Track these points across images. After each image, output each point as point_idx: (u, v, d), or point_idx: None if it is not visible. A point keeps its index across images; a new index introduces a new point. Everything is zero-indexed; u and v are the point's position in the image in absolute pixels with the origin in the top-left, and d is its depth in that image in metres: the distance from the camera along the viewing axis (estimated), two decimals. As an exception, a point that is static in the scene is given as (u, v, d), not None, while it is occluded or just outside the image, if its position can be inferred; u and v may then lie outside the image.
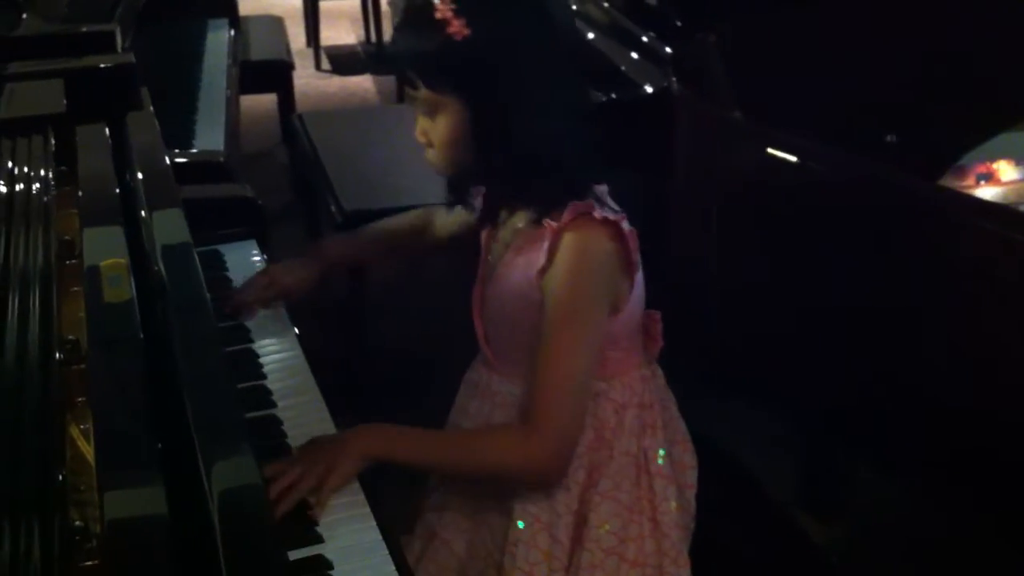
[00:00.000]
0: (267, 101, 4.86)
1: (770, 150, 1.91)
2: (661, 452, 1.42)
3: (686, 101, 2.24)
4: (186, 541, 0.88)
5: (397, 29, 1.38)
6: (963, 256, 1.75)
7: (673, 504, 1.41)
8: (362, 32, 6.61)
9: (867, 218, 1.88)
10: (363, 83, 5.86)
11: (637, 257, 1.35)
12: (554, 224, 1.32)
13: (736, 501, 1.47)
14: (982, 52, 2.39)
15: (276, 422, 1.42)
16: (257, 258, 1.89)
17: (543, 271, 1.33)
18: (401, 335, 3.36)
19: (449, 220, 1.65)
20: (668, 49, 2.54)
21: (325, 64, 6.15)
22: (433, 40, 1.29)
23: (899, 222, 1.85)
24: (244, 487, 0.96)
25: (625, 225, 1.33)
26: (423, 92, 1.34)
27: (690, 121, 2.22)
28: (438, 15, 1.27)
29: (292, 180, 4.16)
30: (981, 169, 2.42)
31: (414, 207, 2.83)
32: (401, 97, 5.26)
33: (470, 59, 1.28)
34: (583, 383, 1.33)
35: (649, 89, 2.45)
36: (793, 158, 1.92)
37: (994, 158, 2.43)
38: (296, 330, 1.68)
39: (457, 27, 1.27)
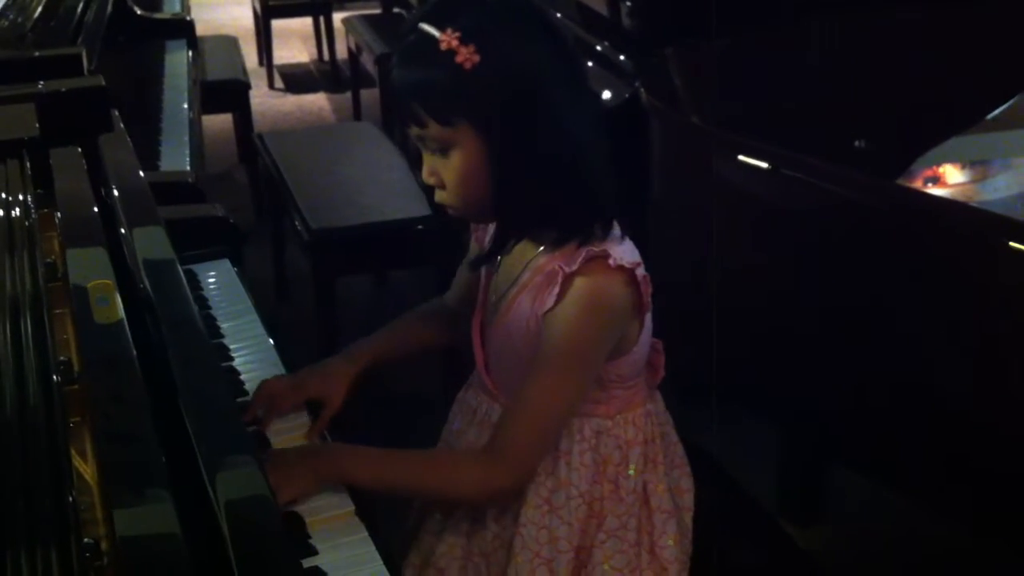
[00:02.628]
0: (221, 121, 4.85)
1: (741, 157, 1.94)
2: (661, 487, 1.40)
3: (655, 111, 2.27)
4: (197, 555, 0.88)
5: (395, 65, 1.29)
6: (938, 257, 1.78)
7: (671, 540, 1.40)
8: (314, 50, 6.62)
9: (840, 222, 1.92)
10: (318, 101, 5.86)
11: (648, 299, 1.32)
12: (566, 268, 1.28)
13: (721, 507, 1.48)
14: (932, 61, 2.45)
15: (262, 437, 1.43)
16: (233, 278, 1.89)
17: (548, 312, 1.30)
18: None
19: (456, 286, 1.58)
20: (626, 59, 2.58)
21: (278, 83, 6.15)
22: (439, 72, 1.23)
23: (870, 224, 1.88)
24: (251, 498, 0.97)
25: (640, 271, 1.30)
26: (433, 129, 1.26)
27: (660, 130, 2.25)
28: (443, 46, 1.22)
29: (254, 200, 4.16)
30: (928, 173, 2.48)
31: (382, 223, 2.89)
32: (359, 114, 5.27)
33: (485, 86, 1.22)
34: (557, 425, 1.33)
35: (611, 98, 2.48)
36: (764, 164, 1.95)
37: (940, 162, 2.48)
38: (272, 341, 1.68)
39: (466, 55, 1.21)
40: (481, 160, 1.26)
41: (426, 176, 1.32)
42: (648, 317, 1.35)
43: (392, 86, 1.29)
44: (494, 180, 1.27)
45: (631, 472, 1.38)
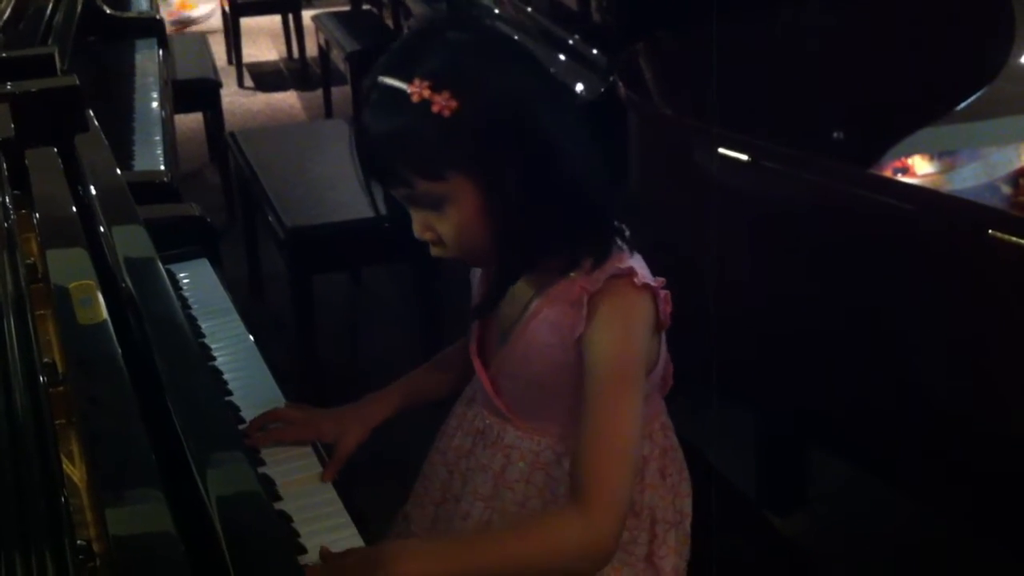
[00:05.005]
0: (191, 120, 4.83)
1: (721, 150, 1.95)
2: (667, 500, 1.38)
3: (632, 103, 2.28)
4: (192, 553, 0.88)
5: (364, 127, 1.19)
6: (917, 245, 1.80)
7: (671, 550, 1.38)
8: (284, 48, 6.59)
9: (819, 214, 1.94)
10: (288, 99, 5.85)
11: (667, 318, 1.27)
12: (589, 288, 1.22)
13: (704, 496, 1.48)
14: (902, 53, 2.47)
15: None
16: (212, 277, 1.89)
17: (582, 337, 1.23)
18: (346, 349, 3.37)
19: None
20: (599, 53, 2.59)
21: (248, 81, 6.12)
22: (417, 126, 1.14)
23: (849, 214, 1.90)
24: (243, 493, 0.97)
25: (662, 291, 1.25)
26: (422, 187, 1.17)
27: (637, 123, 2.26)
28: (415, 98, 1.13)
29: (226, 199, 4.15)
30: (897, 164, 2.50)
31: (357, 220, 2.89)
32: (330, 112, 5.26)
33: (469, 131, 1.14)
34: (635, 448, 1.23)
35: (585, 91, 2.49)
36: (744, 156, 1.96)
37: (909, 153, 2.50)
38: (252, 339, 1.68)
39: (442, 103, 1.12)
40: (479, 207, 1.18)
41: (420, 233, 1.23)
42: (663, 334, 1.30)
43: (366, 150, 1.20)
44: (496, 222, 1.19)
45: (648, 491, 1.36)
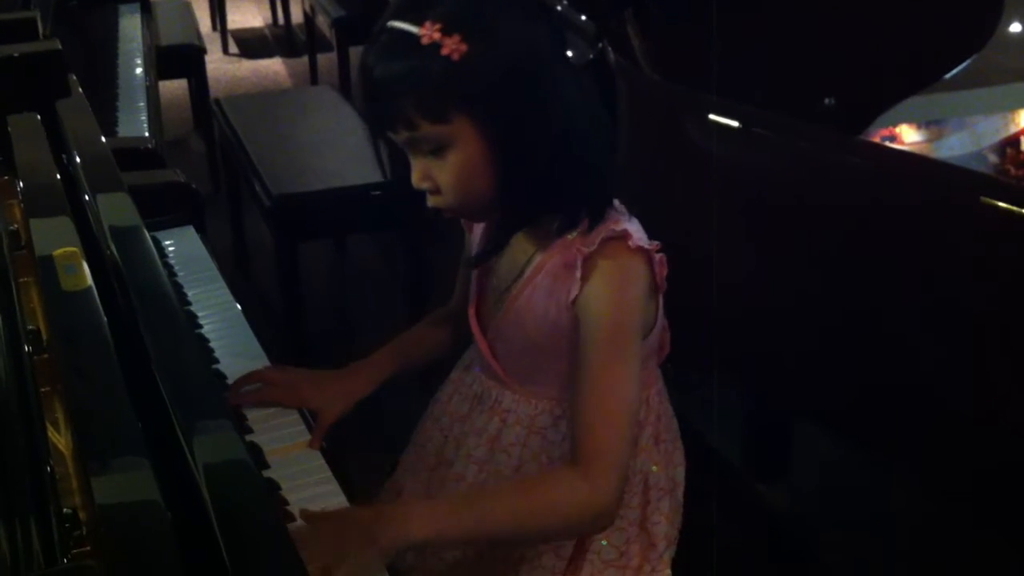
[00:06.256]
0: (175, 87, 4.79)
1: (712, 116, 1.95)
2: (660, 465, 1.39)
3: (621, 70, 2.26)
4: (178, 521, 0.87)
5: (370, 69, 1.19)
6: (908, 215, 1.80)
7: (663, 517, 1.38)
8: (269, 14, 6.54)
9: (809, 181, 1.93)
10: (273, 66, 5.80)
11: (664, 281, 1.28)
12: (584, 250, 1.23)
13: (694, 467, 1.48)
14: (890, 22, 2.46)
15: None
16: (198, 244, 1.87)
17: (577, 299, 1.24)
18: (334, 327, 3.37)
19: (459, 288, 1.49)
20: (587, 19, 2.57)
21: (233, 48, 6.07)
22: (426, 68, 1.15)
23: (839, 185, 1.90)
24: (231, 462, 0.97)
25: (657, 255, 1.26)
26: (426, 129, 1.18)
27: (627, 90, 2.25)
28: (425, 40, 1.14)
29: (210, 167, 4.12)
30: (884, 133, 2.49)
31: (344, 188, 2.87)
32: (315, 78, 5.22)
33: (477, 75, 1.15)
34: (635, 408, 1.25)
35: (575, 59, 2.48)
36: (734, 123, 1.96)
37: (896, 122, 2.50)
38: (239, 308, 1.67)
39: (452, 46, 1.14)
40: (482, 154, 1.19)
41: (418, 181, 1.23)
42: (660, 298, 1.30)
43: (371, 90, 1.20)
44: (498, 172, 1.20)
45: (641, 455, 1.36)
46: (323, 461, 1.33)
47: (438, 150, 1.20)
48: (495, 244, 1.31)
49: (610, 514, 1.22)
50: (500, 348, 1.36)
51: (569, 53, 1.27)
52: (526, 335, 1.31)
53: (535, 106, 1.18)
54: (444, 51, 1.14)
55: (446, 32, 1.14)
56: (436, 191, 1.24)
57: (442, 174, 1.21)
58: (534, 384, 1.35)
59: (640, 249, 1.24)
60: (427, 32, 1.15)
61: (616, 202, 1.29)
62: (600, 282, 1.23)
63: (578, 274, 1.23)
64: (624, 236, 1.23)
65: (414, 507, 1.25)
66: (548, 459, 1.35)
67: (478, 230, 1.40)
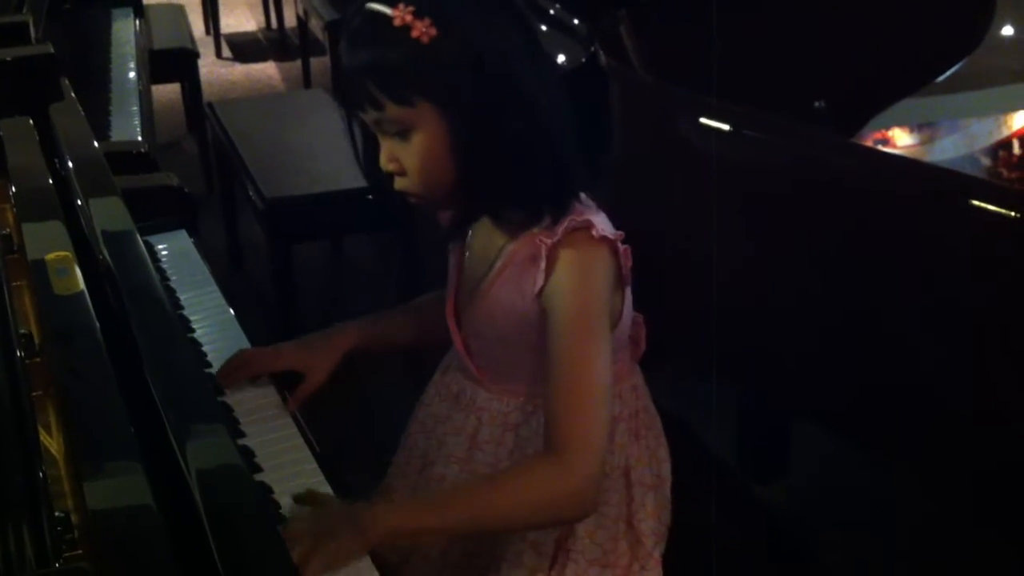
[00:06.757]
0: (169, 91, 4.79)
1: (703, 119, 1.95)
2: (642, 462, 1.39)
3: (613, 72, 2.27)
4: (171, 525, 0.87)
5: (344, 48, 1.23)
6: (899, 216, 1.80)
7: (649, 513, 1.39)
8: (262, 18, 6.53)
9: (801, 184, 1.93)
10: (266, 70, 5.79)
11: (628, 272, 1.29)
12: (548, 240, 1.24)
13: (681, 463, 1.48)
14: (882, 24, 2.47)
15: (228, 408, 1.42)
16: (191, 248, 1.87)
17: (542, 290, 1.25)
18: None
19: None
20: (580, 22, 2.58)
21: (226, 52, 6.06)
22: (395, 49, 1.18)
23: (832, 187, 1.90)
24: (223, 466, 0.97)
25: (620, 244, 1.27)
26: (391, 111, 1.20)
27: (619, 91, 2.25)
28: (397, 22, 1.17)
29: (203, 170, 4.12)
30: (877, 136, 2.50)
31: (337, 192, 2.87)
32: (308, 82, 5.22)
33: (443, 61, 1.18)
34: (606, 393, 1.24)
35: (567, 61, 2.48)
36: (726, 126, 1.96)
37: (888, 125, 2.50)
38: (232, 312, 1.67)
39: (422, 29, 1.17)
40: (444, 141, 1.21)
41: (384, 163, 1.25)
42: (628, 291, 1.32)
43: (343, 69, 1.24)
44: (459, 161, 1.22)
45: (617, 448, 1.36)
46: (316, 464, 1.32)
47: (403, 132, 1.22)
48: (461, 223, 1.33)
49: (589, 499, 1.22)
50: (473, 344, 1.38)
51: (539, 49, 1.28)
52: (496, 329, 1.33)
53: (498, 98, 1.20)
54: (414, 33, 1.17)
55: (417, 15, 1.17)
56: (402, 173, 1.25)
57: (407, 157, 1.24)
58: (506, 381, 1.37)
59: (604, 239, 1.25)
60: (399, 14, 1.17)
61: (583, 196, 1.30)
62: (565, 271, 1.24)
63: (542, 264, 1.24)
64: (587, 226, 1.24)
65: (393, 504, 1.27)
66: (522, 456, 1.36)
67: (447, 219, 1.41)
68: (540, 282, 1.25)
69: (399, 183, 1.27)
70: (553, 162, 1.25)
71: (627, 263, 1.28)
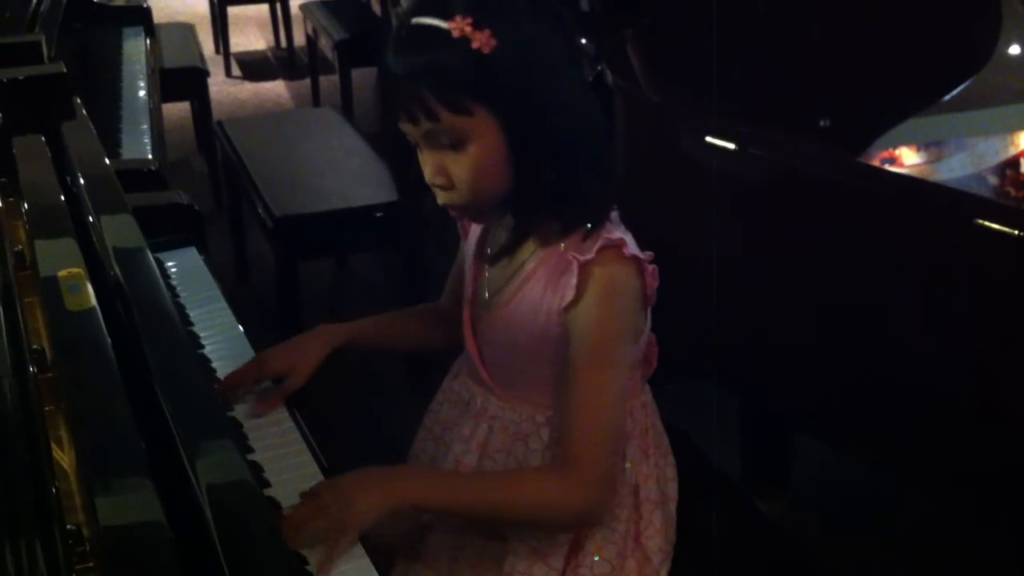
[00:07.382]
0: (179, 109, 4.81)
1: (708, 139, 1.96)
2: (651, 479, 1.40)
3: (620, 91, 2.28)
4: (181, 540, 0.88)
5: (393, 59, 1.21)
6: (904, 233, 1.81)
7: (657, 531, 1.39)
8: (272, 37, 6.57)
9: (808, 203, 1.94)
10: (276, 88, 5.83)
11: (653, 292, 1.30)
12: (580, 257, 1.25)
13: (689, 480, 1.49)
14: (889, 42, 2.48)
15: (237, 423, 1.43)
16: (200, 265, 1.88)
17: (569, 306, 1.26)
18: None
19: (449, 289, 1.52)
20: (587, 41, 2.59)
21: (235, 71, 6.10)
22: (453, 59, 1.17)
23: (837, 206, 1.91)
24: (233, 481, 0.97)
25: (649, 266, 1.29)
26: (448, 121, 1.19)
27: (625, 110, 2.26)
28: (455, 33, 1.17)
29: (212, 188, 4.14)
30: (884, 155, 2.50)
31: (345, 209, 2.89)
32: (317, 100, 5.24)
33: (503, 69, 1.18)
34: (617, 420, 1.27)
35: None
36: (731, 145, 1.97)
37: (895, 144, 2.51)
38: (241, 328, 1.68)
39: (483, 40, 1.17)
40: (500, 149, 1.21)
41: (431, 176, 1.25)
42: (648, 310, 1.33)
43: (391, 81, 1.22)
44: (515, 168, 1.22)
45: (627, 466, 1.37)
46: (317, 469, 1.33)
47: (457, 143, 1.21)
48: (510, 243, 1.31)
49: (593, 512, 1.27)
50: (487, 352, 1.39)
51: (579, 58, 1.34)
52: (513, 340, 1.34)
53: (549, 105, 1.21)
54: (474, 44, 1.17)
55: (476, 26, 1.17)
56: (449, 186, 1.25)
57: (458, 168, 1.23)
58: (518, 389, 1.37)
59: (634, 258, 1.26)
60: (458, 26, 1.17)
61: (613, 214, 1.31)
62: (595, 291, 1.25)
63: (574, 280, 1.25)
64: (620, 244, 1.25)
65: (411, 471, 1.33)
66: (530, 466, 1.37)
67: (474, 236, 1.42)
68: (569, 298, 1.25)
69: (444, 197, 1.26)
70: (598, 166, 1.27)
71: (652, 283, 1.29)
